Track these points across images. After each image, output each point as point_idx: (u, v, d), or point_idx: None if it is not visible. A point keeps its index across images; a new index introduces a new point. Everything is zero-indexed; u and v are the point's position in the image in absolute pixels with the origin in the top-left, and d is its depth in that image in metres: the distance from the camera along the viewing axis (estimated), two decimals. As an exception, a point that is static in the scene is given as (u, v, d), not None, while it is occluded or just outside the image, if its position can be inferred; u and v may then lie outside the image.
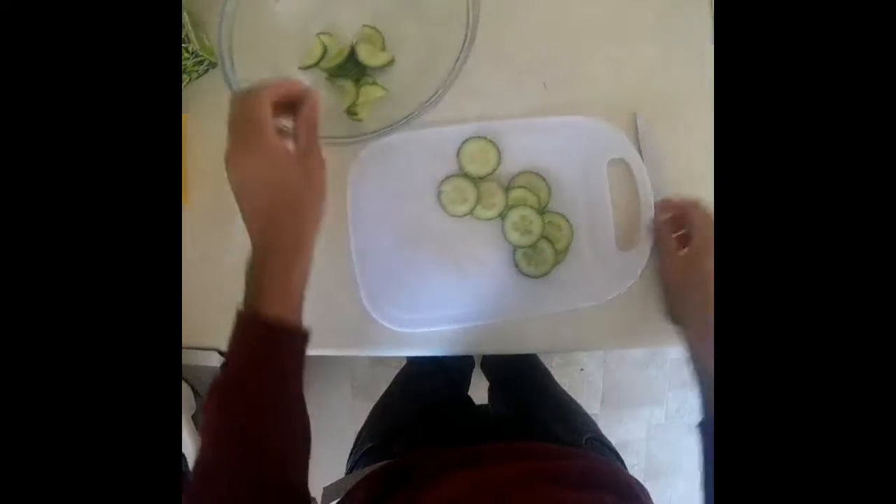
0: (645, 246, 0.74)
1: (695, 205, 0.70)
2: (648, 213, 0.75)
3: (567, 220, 0.74)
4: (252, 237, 0.56)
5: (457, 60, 0.68)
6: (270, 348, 0.54)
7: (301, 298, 0.56)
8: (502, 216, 0.74)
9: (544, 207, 0.74)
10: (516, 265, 0.74)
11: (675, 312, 0.68)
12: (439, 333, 0.76)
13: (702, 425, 0.63)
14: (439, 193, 0.75)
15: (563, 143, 0.75)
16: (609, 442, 0.88)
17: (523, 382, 1.18)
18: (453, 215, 0.75)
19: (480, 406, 1.10)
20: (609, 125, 0.75)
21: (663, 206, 0.72)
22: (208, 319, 0.77)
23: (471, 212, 0.74)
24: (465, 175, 0.74)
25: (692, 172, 0.76)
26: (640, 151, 0.75)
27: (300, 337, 0.56)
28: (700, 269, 0.66)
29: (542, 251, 0.74)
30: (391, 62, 0.73)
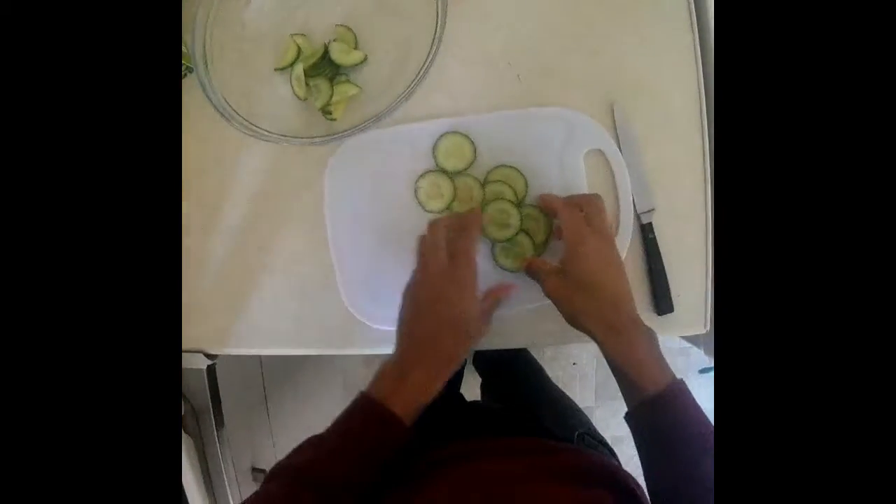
0: (623, 238, 0.74)
1: (563, 204, 0.67)
2: (628, 204, 0.74)
3: (544, 213, 0.74)
4: (406, 346, 0.62)
5: (428, 55, 0.68)
6: (379, 440, 0.57)
7: (422, 409, 0.60)
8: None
9: (521, 200, 0.74)
10: (495, 259, 0.74)
11: (573, 321, 0.65)
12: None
13: (627, 417, 0.62)
14: (416, 190, 0.75)
15: (538, 136, 0.75)
16: (602, 437, 0.88)
17: (515, 378, 1.18)
18: (430, 211, 0.75)
19: (472, 402, 1.10)
20: (585, 116, 0.75)
21: (541, 200, 0.72)
22: (196, 321, 0.78)
23: (447, 207, 0.74)
24: (442, 171, 0.74)
25: (670, 160, 0.76)
26: (617, 141, 0.75)
27: (408, 440, 0.58)
28: (573, 277, 0.63)
29: (520, 244, 0.74)
30: (364, 60, 0.74)
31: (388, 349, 0.77)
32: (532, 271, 0.68)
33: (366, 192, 0.76)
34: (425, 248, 0.64)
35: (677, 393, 0.58)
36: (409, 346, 0.62)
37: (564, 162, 0.75)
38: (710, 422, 0.56)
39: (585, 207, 0.66)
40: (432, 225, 0.65)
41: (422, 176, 0.75)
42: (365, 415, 0.59)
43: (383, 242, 0.76)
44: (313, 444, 0.58)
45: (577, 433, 0.82)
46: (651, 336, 0.61)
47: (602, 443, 0.86)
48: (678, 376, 0.59)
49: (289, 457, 0.57)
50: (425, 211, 0.75)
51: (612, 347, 0.61)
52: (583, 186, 0.75)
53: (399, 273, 0.74)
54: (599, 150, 0.75)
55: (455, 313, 0.61)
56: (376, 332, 0.76)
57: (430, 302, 0.62)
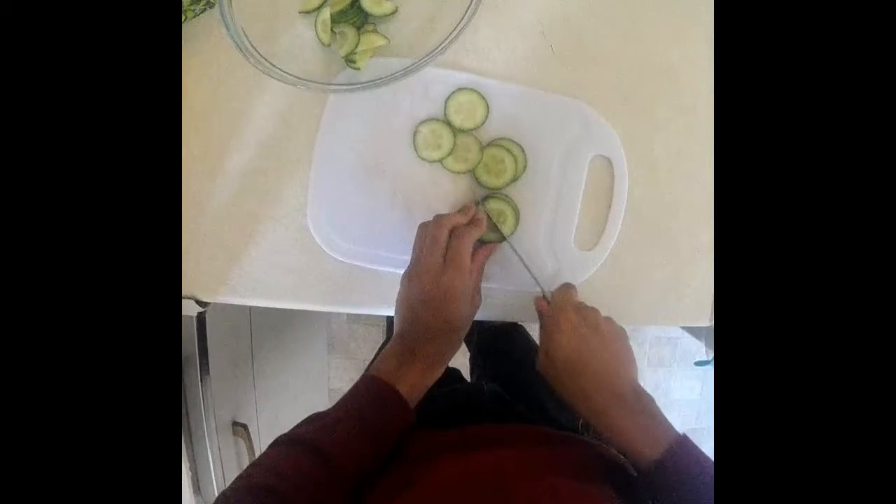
0: (602, 249, 0.74)
1: (557, 290, 0.69)
2: (617, 219, 0.74)
3: (513, 209, 0.73)
4: (404, 335, 0.64)
5: (463, 16, 0.66)
6: (383, 417, 0.59)
7: (423, 394, 0.63)
8: (472, 172, 0.73)
9: (515, 179, 0.73)
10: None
11: (567, 405, 0.65)
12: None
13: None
14: (415, 133, 0.73)
15: (554, 123, 0.73)
16: None
17: (511, 357, 1.17)
18: (422, 159, 0.73)
19: (471, 384, 1.09)
20: (606, 120, 0.73)
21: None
22: (191, 266, 0.76)
23: (441, 160, 0.73)
24: (447, 123, 0.72)
25: (687, 151, 0.76)
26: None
27: (410, 421, 0.61)
28: (554, 359, 0.63)
29: (503, 214, 0.73)
30: (394, 12, 0.71)
31: (383, 311, 0.77)
32: (541, 323, 0.69)
33: (365, 119, 0.73)
34: (424, 241, 0.64)
35: (672, 466, 0.56)
36: (407, 336, 0.64)
37: (570, 158, 0.74)
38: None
39: (556, 296, 0.68)
40: (438, 220, 0.65)
41: (426, 122, 0.73)
42: (370, 393, 0.60)
43: (364, 174, 0.74)
44: (316, 418, 0.59)
45: (580, 421, 0.81)
46: (640, 405, 0.60)
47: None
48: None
49: (292, 429, 0.58)
50: (418, 157, 0.73)
51: (599, 426, 0.60)
52: (579, 189, 0.74)
53: (370, 209, 0.74)
54: (608, 159, 0.74)
55: (447, 316, 0.62)
56: (372, 290, 0.76)
57: (424, 300, 0.63)
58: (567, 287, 0.68)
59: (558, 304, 0.66)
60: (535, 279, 0.71)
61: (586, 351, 0.62)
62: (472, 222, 0.66)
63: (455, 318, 0.62)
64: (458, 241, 0.63)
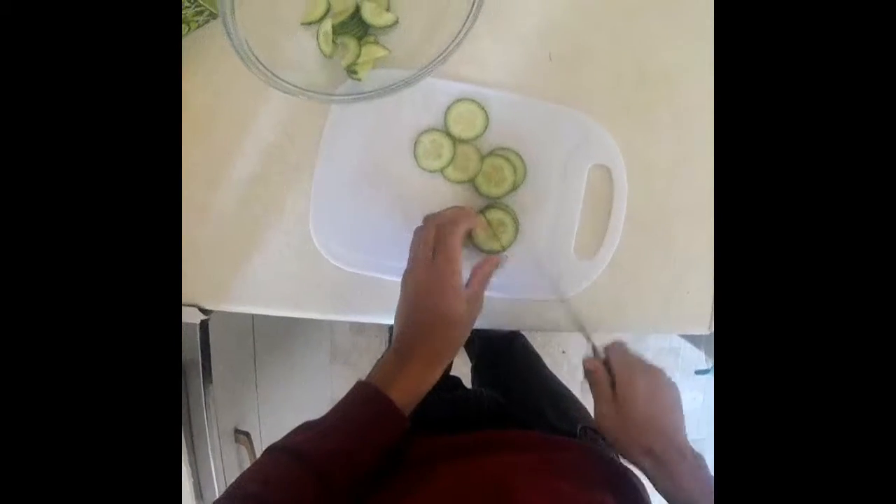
0: (602, 258, 0.75)
1: (612, 348, 0.68)
2: (617, 229, 0.74)
3: (513, 219, 0.73)
4: (401, 338, 0.63)
5: (463, 26, 0.67)
6: (376, 426, 0.58)
7: (419, 399, 0.62)
8: (472, 181, 0.74)
9: (516, 188, 0.74)
10: (479, 247, 0.74)
11: (624, 454, 0.65)
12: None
13: None
14: (416, 143, 0.74)
15: (553, 132, 0.74)
16: None
17: (511, 366, 1.17)
18: (423, 169, 0.74)
19: (471, 390, 1.09)
20: (604, 130, 0.74)
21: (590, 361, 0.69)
22: (194, 275, 0.76)
23: (441, 170, 0.74)
24: (447, 133, 0.73)
25: (686, 156, 0.76)
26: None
27: (404, 429, 0.59)
28: (626, 418, 0.63)
29: (503, 224, 0.73)
30: (395, 23, 0.72)
31: (385, 319, 0.77)
32: (592, 382, 0.67)
33: (367, 129, 0.74)
34: (417, 245, 0.65)
35: None
36: (404, 338, 0.63)
37: (569, 167, 0.74)
38: None
39: (617, 358, 0.66)
40: (427, 219, 0.66)
41: (426, 132, 0.74)
42: (363, 401, 0.60)
43: (365, 183, 0.75)
44: (308, 426, 0.59)
45: (579, 427, 0.81)
46: (699, 463, 0.61)
47: (604, 438, 0.86)
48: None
49: (284, 437, 0.58)
50: (418, 166, 0.74)
51: (660, 479, 0.61)
52: (579, 198, 0.74)
53: (371, 218, 0.75)
54: (606, 168, 0.74)
55: (440, 309, 0.61)
56: (374, 299, 0.76)
57: (417, 297, 0.63)
58: (622, 345, 0.68)
59: (625, 366, 0.65)
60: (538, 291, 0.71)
61: (657, 409, 0.63)
62: (459, 213, 0.66)
63: (450, 311, 0.61)
64: (447, 233, 0.63)
